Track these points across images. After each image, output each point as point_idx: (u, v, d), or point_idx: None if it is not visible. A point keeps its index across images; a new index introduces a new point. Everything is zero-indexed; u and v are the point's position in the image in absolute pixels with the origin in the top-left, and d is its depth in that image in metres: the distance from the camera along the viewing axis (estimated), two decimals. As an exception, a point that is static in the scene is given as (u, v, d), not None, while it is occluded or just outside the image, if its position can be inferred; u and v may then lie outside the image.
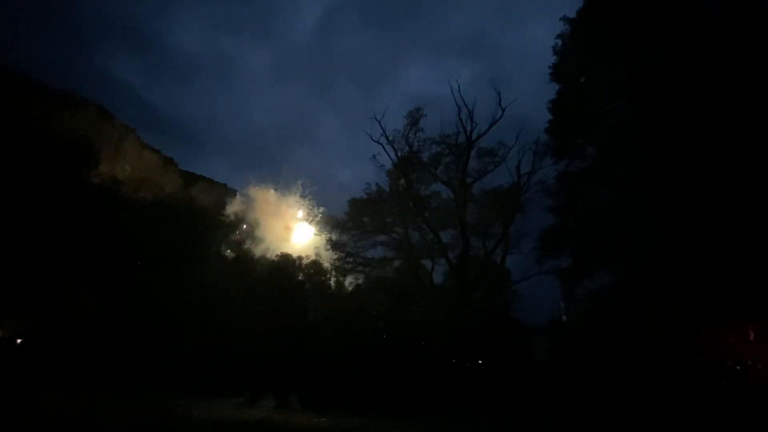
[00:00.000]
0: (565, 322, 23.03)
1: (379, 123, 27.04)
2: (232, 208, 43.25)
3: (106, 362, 18.07)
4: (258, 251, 35.94)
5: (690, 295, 14.73)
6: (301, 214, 49.55)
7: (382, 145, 27.36)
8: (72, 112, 32.38)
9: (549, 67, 21.07)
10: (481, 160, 26.72)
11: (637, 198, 17.67)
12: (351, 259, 28.30)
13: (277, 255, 32.41)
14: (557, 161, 21.78)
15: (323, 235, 33.41)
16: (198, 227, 29.33)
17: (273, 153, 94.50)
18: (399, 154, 27.49)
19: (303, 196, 50.04)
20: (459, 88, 26.12)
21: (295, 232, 47.18)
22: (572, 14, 19.99)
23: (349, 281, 30.00)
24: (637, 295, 16.44)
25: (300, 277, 29.96)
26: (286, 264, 30.55)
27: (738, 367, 14.43)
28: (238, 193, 46.56)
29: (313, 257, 33.97)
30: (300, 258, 32.79)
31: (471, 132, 26.32)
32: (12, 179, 23.01)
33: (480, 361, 23.11)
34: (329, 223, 29.45)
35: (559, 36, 20.59)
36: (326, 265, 31.24)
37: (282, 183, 49.80)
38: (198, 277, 24.73)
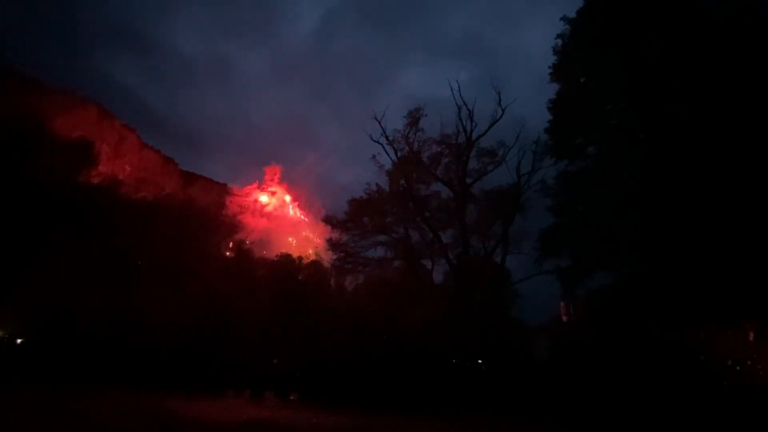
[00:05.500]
0: (565, 322, 23.03)
1: (379, 123, 27.01)
2: (233, 208, 43.34)
3: (106, 362, 18.07)
4: (258, 251, 35.97)
5: (690, 295, 14.73)
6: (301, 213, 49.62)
7: (382, 145, 27.32)
8: (72, 112, 32.38)
9: (549, 67, 21.05)
10: (481, 160, 26.66)
11: (637, 198, 17.67)
12: (351, 259, 28.23)
13: (277, 255, 32.42)
14: (557, 161, 21.77)
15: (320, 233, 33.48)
16: (198, 227, 29.35)
17: (273, 153, 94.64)
18: (399, 154, 27.46)
19: (302, 195, 50.02)
20: (459, 87, 26.10)
21: (295, 232, 47.20)
22: (572, 14, 20.00)
23: (349, 281, 29.97)
24: (637, 295, 16.43)
25: (300, 278, 29.95)
26: (287, 264, 30.54)
27: (738, 367, 14.43)
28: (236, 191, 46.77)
29: (313, 257, 33.97)
30: (300, 258, 32.78)
31: (471, 132, 26.30)
32: (12, 179, 23.01)
33: (480, 361, 23.12)
34: (329, 222, 29.37)
35: (559, 36, 20.57)
36: (326, 265, 31.23)
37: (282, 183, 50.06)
38: (198, 277, 24.73)
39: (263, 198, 47.35)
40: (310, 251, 35.26)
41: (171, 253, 25.40)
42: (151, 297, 22.34)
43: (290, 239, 38.42)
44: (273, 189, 48.38)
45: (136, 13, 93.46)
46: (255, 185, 47.84)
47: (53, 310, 21.27)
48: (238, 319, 22.66)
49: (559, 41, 20.57)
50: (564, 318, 23.34)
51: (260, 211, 45.55)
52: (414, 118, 27.04)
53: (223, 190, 46.87)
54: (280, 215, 47.81)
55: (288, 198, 49.04)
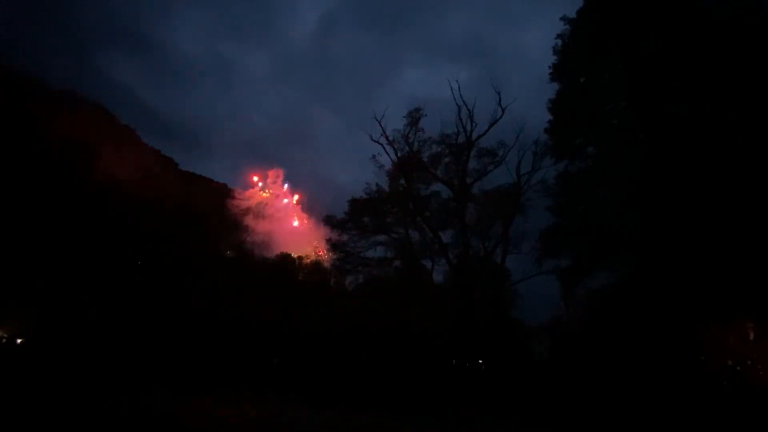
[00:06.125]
0: (565, 322, 23.03)
1: (379, 123, 26.99)
2: (233, 209, 43.35)
3: (106, 362, 18.08)
4: (259, 252, 35.97)
5: (690, 294, 14.73)
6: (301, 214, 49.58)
7: (382, 145, 27.31)
8: (72, 112, 32.37)
9: (549, 67, 21.03)
10: (481, 160, 26.67)
11: (636, 198, 17.67)
12: (351, 259, 28.25)
13: (277, 255, 32.44)
14: (557, 161, 21.75)
15: (323, 236, 33.47)
16: (198, 227, 29.37)
17: (273, 153, 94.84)
18: (399, 154, 27.47)
19: (304, 197, 49.95)
20: (459, 87, 26.09)
21: (296, 234, 47.18)
22: (572, 14, 20.00)
23: (349, 281, 29.99)
24: (637, 294, 16.43)
25: (300, 278, 29.97)
26: (287, 264, 30.55)
27: (738, 367, 14.44)
28: (238, 194, 46.76)
29: (313, 257, 33.98)
30: (300, 258, 32.78)
31: (471, 132, 26.28)
32: (12, 179, 23.02)
33: (480, 361, 23.14)
34: (329, 223, 29.38)
35: (559, 36, 20.56)
36: (326, 265, 31.24)
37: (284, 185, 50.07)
38: (198, 277, 24.74)
39: (264, 200, 47.41)
40: (313, 255, 35.30)
41: (171, 253, 25.42)
42: (150, 297, 22.36)
43: (292, 253, 38.57)
44: (275, 191, 48.45)
45: (136, 13, 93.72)
46: (257, 187, 47.93)
47: (53, 311, 21.29)
48: (238, 318, 22.69)
49: (559, 41, 20.55)
50: (564, 318, 23.35)
51: (261, 212, 45.56)
52: (414, 118, 27.06)
53: (224, 190, 46.89)
54: (282, 217, 47.85)
55: (294, 199, 49.18)
